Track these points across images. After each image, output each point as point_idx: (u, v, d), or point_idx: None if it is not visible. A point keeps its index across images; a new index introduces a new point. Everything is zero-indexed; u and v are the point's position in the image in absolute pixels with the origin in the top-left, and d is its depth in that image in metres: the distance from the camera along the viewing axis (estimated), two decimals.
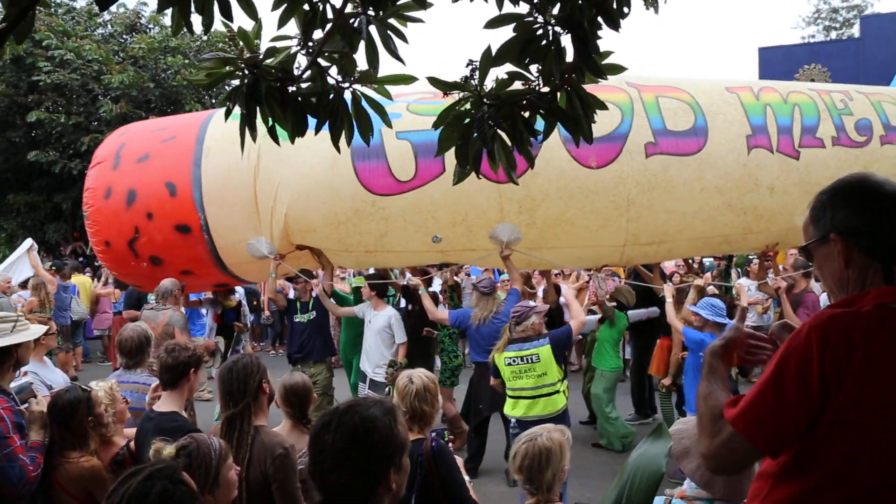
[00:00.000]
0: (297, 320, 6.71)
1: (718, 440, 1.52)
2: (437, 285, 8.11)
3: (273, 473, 2.75)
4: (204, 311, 8.15)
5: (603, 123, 5.09)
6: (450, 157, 5.09)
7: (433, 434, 2.95)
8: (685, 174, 5.39)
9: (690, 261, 7.86)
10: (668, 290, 6.01)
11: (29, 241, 9.63)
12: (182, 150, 5.73)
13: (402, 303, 7.58)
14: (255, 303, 9.65)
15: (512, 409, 4.94)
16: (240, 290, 8.56)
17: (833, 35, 30.28)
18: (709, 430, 1.54)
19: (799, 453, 1.48)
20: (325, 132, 2.05)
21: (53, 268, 10.41)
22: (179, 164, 5.68)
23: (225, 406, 2.91)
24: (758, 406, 1.48)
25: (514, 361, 4.87)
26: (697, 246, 6.04)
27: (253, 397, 2.89)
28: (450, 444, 3.00)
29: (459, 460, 3.00)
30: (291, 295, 7.97)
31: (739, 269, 10.08)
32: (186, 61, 15.06)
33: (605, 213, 5.43)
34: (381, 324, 6.25)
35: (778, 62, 18.47)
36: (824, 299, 6.61)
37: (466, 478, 2.95)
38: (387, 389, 6.02)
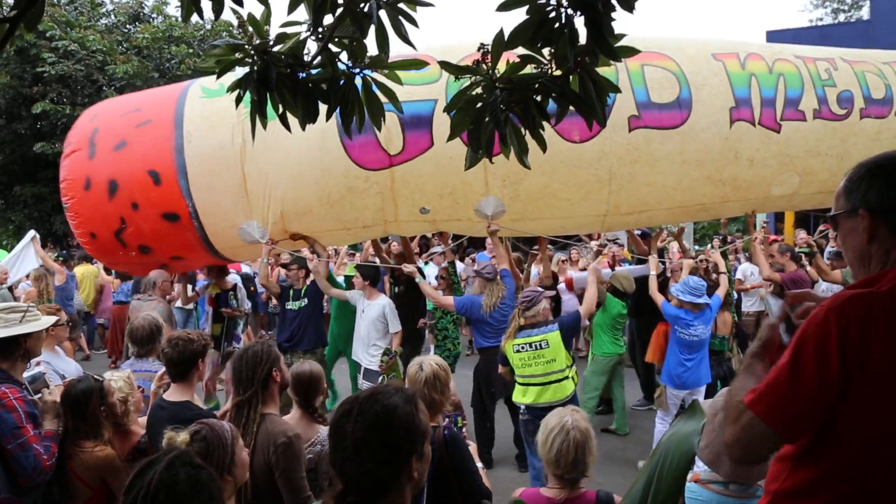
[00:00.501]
0: (289, 308, 6.54)
1: (738, 425, 1.50)
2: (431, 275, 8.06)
3: (276, 461, 2.76)
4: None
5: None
6: (437, 129, 5.17)
7: (446, 421, 2.96)
8: (667, 147, 5.42)
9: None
10: (652, 263, 6.10)
11: (31, 233, 9.66)
12: (161, 135, 5.51)
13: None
14: (251, 289, 9.28)
15: (522, 397, 4.94)
16: (236, 276, 8.30)
17: (841, 18, 29.96)
18: (731, 417, 1.53)
19: (819, 435, 1.47)
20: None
21: (60, 258, 10.42)
22: (160, 151, 5.46)
23: (235, 392, 2.93)
24: (776, 389, 1.46)
25: (522, 348, 4.87)
26: (675, 214, 6.15)
27: (262, 385, 2.91)
28: (463, 430, 3.01)
29: (473, 447, 3.00)
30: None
31: (746, 253, 10.05)
32: (190, 51, 15.04)
33: (587, 186, 5.48)
34: (376, 313, 6.13)
35: (784, 43, 18.29)
36: (824, 286, 6.64)
37: (479, 465, 2.96)
38: (380, 378, 5.97)
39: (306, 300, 6.50)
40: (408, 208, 5.60)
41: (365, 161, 5.33)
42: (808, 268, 6.88)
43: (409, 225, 5.97)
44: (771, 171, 5.73)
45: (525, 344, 4.85)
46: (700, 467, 2.20)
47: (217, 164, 5.43)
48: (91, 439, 2.99)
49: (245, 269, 9.99)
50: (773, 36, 18.71)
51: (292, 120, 2.02)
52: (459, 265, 10.23)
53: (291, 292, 6.59)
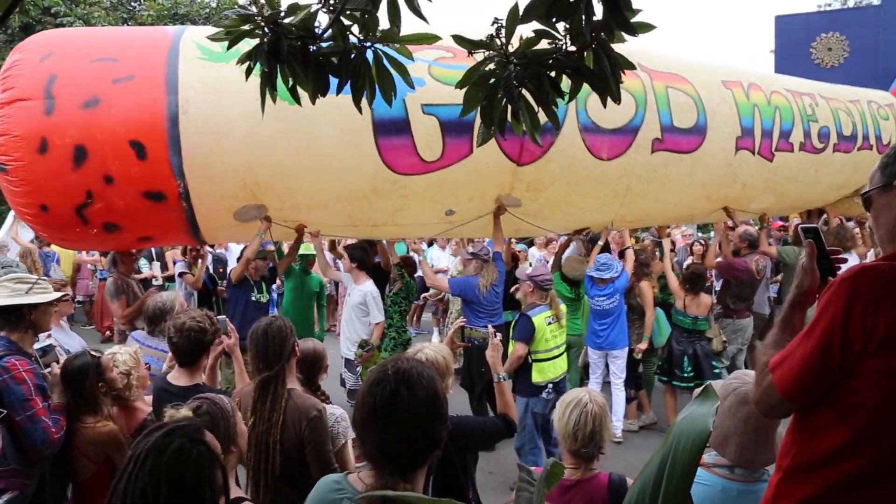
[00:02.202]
0: (255, 299, 5.92)
1: (761, 388, 1.57)
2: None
3: (308, 435, 2.76)
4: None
5: (619, 114, 5.37)
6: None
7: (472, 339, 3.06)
8: (680, 170, 5.88)
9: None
10: (666, 245, 6.86)
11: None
12: (148, 99, 4.51)
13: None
14: (220, 270, 8.40)
15: (547, 374, 5.11)
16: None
17: (851, 3, 29.57)
18: (758, 378, 1.59)
19: (828, 410, 1.47)
20: (346, 96, 2.01)
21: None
22: (148, 118, 4.47)
23: (259, 369, 2.89)
24: (788, 358, 1.51)
25: (551, 320, 5.16)
26: (667, 221, 7.00)
27: (287, 360, 2.91)
28: (496, 337, 3.21)
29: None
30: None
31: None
32: None
33: (603, 199, 5.81)
34: (357, 299, 5.92)
35: (795, 30, 18.08)
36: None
37: (502, 376, 3.09)
38: (358, 370, 5.90)
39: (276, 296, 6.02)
40: (434, 211, 5.48)
41: (398, 165, 4.99)
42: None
43: (425, 227, 5.82)
44: (756, 192, 6.63)
45: (552, 316, 5.17)
46: (705, 451, 2.18)
47: (221, 142, 4.61)
48: (91, 415, 3.00)
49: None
50: (783, 21, 18.49)
51: (302, 94, 2.00)
52: (440, 251, 10.25)
53: (263, 285, 6.03)
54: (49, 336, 3.53)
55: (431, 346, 3.03)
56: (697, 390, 1.40)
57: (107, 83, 4.50)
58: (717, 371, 6.26)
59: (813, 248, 1.67)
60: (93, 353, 3.14)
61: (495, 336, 3.23)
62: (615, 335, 6.27)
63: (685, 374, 6.24)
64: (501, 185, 5.42)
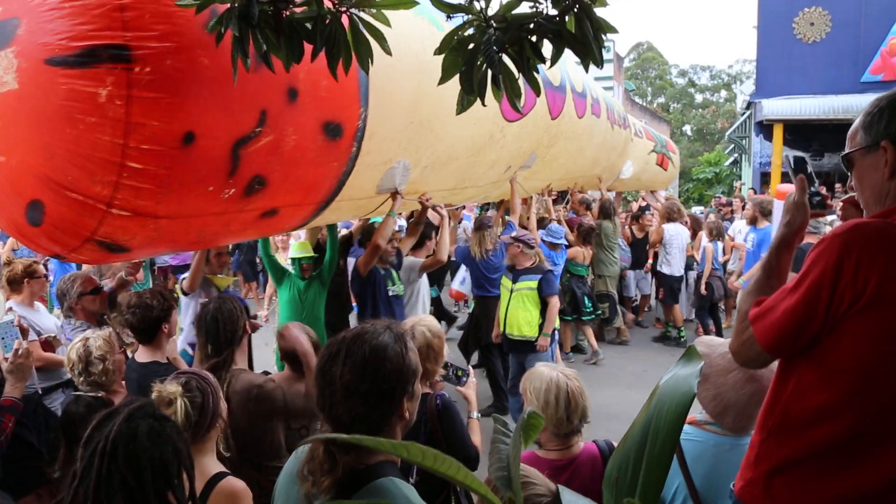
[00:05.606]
0: (394, 293, 5.06)
1: (740, 340, 1.56)
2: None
3: (253, 410, 2.78)
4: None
5: (575, 80, 6.63)
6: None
7: (449, 370, 2.91)
8: (599, 129, 7.54)
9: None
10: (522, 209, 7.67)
11: None
12: None
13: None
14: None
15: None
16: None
17: None
18: (738, 328, 1.58)
19: (816, 367, 1.47)
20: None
21: None
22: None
23: (207, 355, 2.88)
24: (771, 309, 1.49)
25: None
26: (568, 183, 8.49)
27: (238, 343, 2.92)
28: (467, 378, 2.92)
29: (472, 385, 2.94)
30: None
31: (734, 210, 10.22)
32: None
33: (568, 155, 6.93)
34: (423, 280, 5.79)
35: (778, 4, 18.08)
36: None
37: (476, 414, 2.92)
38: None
39: (402, 284, 5.26)
40: (503, 168, 5.58)
41: (505, 109, 4.69)
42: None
43: (486, 189, 5.90)
44: (603, 152, 8.36)
45: None
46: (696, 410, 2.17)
47: (401, 61, 3.20)
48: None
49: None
50: (766, 1, 18.47)
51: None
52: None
53: (394, 274, 5.16)
54: (10, 310, 3.40)
55: (427, 325, 2.85)
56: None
57: None
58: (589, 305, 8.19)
59: (804, 181, 1.64)
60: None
61: (471, 374, 3.00)
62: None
63: (587, 310, 8.08)
64: (538, 139, 5.87)
